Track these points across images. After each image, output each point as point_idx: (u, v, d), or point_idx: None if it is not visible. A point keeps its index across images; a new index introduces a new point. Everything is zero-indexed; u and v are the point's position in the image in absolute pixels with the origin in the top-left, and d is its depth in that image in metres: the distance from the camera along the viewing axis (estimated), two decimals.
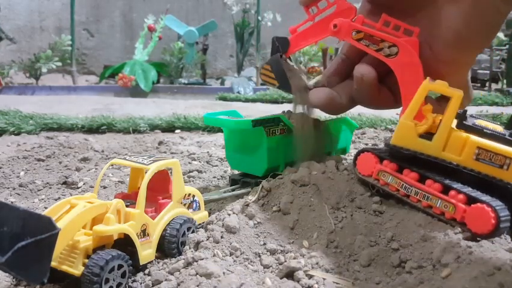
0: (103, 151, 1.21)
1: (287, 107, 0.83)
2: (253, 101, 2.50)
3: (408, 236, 0.55)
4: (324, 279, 0.50)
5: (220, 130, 1.42)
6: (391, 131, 1.46)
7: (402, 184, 0.59)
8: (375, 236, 0.57)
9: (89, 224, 0.53)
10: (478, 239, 0.51)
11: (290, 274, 0.52)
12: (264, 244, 0.58)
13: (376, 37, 0.61)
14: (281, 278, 0.52)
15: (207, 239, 0.57)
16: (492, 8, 0.56)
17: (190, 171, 0.98)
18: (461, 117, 0.56)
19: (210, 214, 0.66)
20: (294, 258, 0.54)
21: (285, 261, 0.54)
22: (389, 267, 0.52)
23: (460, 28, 0.58)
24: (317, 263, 0.53)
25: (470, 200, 0.53)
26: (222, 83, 3.44)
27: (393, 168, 0.60)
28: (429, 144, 0.57)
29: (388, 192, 0.61)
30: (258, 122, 0.72)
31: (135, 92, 2.95)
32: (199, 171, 0.98)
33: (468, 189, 0.54)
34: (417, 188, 0.57)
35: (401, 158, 0.60)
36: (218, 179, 0.94)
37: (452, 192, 0.54)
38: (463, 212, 0.53)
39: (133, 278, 0.53)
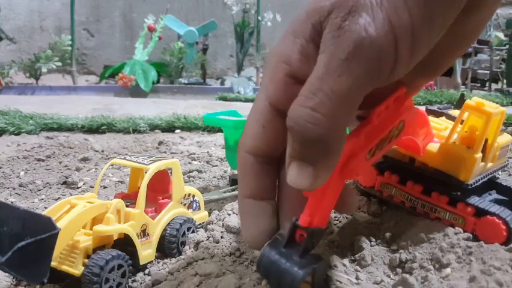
0: (103, 151, 1.21)
1: None
2: (253, 101, 2.49)
3: (408, 236, 0.55)
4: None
5: (220, 130, 1.42)
6: None
7: (408, 196, 0.58)
8: (375, 236, 0.57)
9: (89, 224, 0.53)
10: (478, 239, 0.51)
11: None
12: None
13: (385, 136, 0.44)
14: None
15: (207, 239, 0.57)
16: None
17: (190, 171, 0.98)
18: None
19: (210, 214, 0.66)
20: None
21: None
22: (389, 267, 0.52)
23: None
24: None
25: (479, 212, 0.53)
26: (222, 83, 3.44)
27: (395, 180, 0.59)
28: (484, 166, 0.56)
29: (391, 203, 0.60)
30: None
31: (135, 92, 2.95)
32: (199, 171, 0.98)
33: (475, 200, 0.54)
34: (423, 200, 0.56)
35: (400, 169, 0.59)
36: (218, 179, 0.94)
37: (460, 205, 0.54)
38: (473, 224, 0.53)
39: (133, 278, 0.53)
